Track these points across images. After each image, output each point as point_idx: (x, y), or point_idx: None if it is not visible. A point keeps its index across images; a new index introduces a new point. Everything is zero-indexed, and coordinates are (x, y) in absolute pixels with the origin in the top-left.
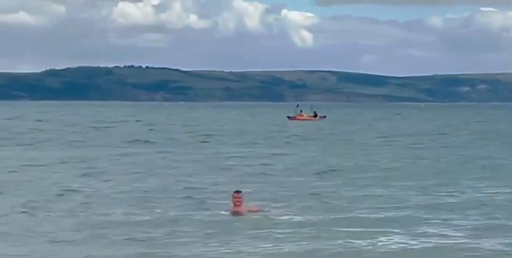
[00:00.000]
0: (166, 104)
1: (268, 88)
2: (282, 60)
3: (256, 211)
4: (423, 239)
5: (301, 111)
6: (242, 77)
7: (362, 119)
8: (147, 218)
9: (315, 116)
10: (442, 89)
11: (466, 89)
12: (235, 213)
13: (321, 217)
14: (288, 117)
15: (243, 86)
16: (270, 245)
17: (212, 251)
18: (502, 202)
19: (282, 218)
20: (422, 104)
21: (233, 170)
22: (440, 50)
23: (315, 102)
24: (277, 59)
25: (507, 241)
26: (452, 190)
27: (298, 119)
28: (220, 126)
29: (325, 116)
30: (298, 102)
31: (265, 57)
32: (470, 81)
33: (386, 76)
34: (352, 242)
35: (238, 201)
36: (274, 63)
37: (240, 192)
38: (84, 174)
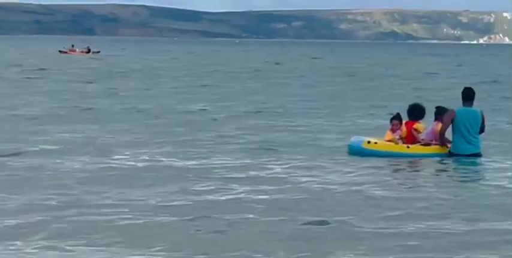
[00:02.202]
0: None
1: (78, 22)
2: None
3: None
4: None
5: (72, 46)
6: (52, 10)
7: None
8: None
9: (88, 51)
10: (257, 26)
11: (281, 25)
12: None
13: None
14: (59, 51)
15: (53, 19)
16: None
17: None
18: None
19: None
20: (237, 40)
21: None
22: None
23: (127, 37)
24: None
25: None
26: None
27: (70, 53)
28: None
29: (99, 51)
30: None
31: None
32: (285, 17)
33: (200, 11)
34: None
35: None
36: None
37: None
38: None
